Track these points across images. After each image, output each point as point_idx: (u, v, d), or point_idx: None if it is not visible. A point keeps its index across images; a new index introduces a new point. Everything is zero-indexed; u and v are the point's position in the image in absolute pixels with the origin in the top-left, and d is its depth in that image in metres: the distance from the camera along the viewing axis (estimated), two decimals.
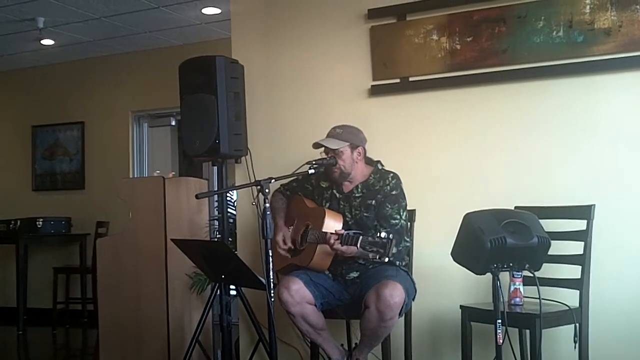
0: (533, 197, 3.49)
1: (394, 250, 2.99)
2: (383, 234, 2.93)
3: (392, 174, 3.43)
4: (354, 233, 3.10)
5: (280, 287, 3.27)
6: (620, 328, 3.37)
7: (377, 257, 2.94)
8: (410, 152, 3.86)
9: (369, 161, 3.52)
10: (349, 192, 3.45)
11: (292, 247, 3.52)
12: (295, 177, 3.60)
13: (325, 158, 3.44)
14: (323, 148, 3.45)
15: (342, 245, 3.12)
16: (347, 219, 3.40)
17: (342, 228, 3.30)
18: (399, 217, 3.33)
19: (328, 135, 3.46)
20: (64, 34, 6.55)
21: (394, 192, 3.37)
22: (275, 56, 4.27)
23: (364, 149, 3.48)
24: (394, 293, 3.02)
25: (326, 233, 3.23)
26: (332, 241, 3.15)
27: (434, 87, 3.82)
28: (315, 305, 3.28)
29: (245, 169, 4.18)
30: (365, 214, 3.38)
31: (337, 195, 3.48)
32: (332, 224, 3.32)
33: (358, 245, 3.02)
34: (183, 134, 4.08)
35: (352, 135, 3.43)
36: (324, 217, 3.35)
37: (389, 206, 3.34)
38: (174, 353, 4.25)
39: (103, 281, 4.58)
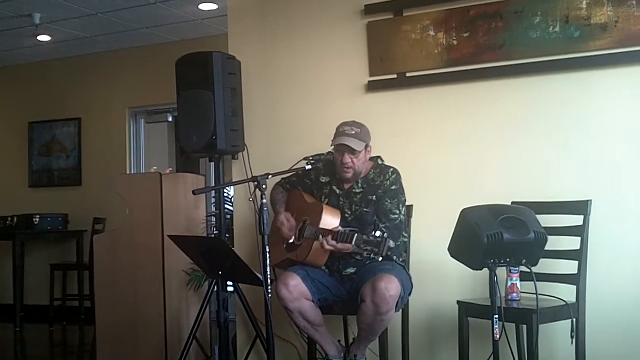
0: (530, 193, 3.49)
1: (391, 243, 2.98)
2: (378, 233, 2.94)
3: (392, 169, 3.44)
4: (349, 230, 3.11)
5: (278, 283, 3.27)
6: (616, 323, 3.38)
7: (371, 256, 2.96)
8: (407, 148, 3.85)
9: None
10: (349, 188, 3.45)
11: (291, 240, 3.52)
12: (293, 172, 3.61)
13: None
14: (332, 145, 3.38)
15: (337, 242, 3.12)
16: (346, 215, 3.40)
17: (340, 224, 3.30)
18: (398, 212, 3.33)
19: (345, 134, 3.35)
20: (60, 30, 6.54)
21: (393, 187, 3.38)
22: (272, 52, 4.26)
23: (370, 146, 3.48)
24: (390, 286, 3.03)
25: (322, 229, 3.23)
26: (325, 243, 3.16)
27: (431, 82, 3.81)
28: (313, 301, 3.28)
29: (242, 165, 4.18)
30: (365, 209, 3.38)
31: (337, 191, 3.48)
32: (330, 220, 3.32)
33: (353, 243, 3.03)
34: (180, 130, 4.07)
35: (366, 135, 3.41)
36: (322, 212, 3.35)
37: (389, 201, 3.34)
38: (171, 349, 4.25)
39: (100, 277, 4.57)
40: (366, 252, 2.98)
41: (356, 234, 3.03)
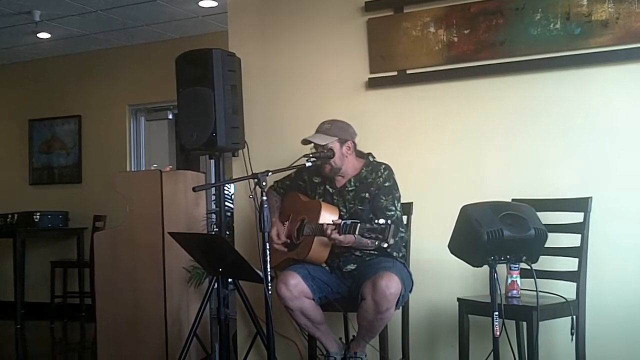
0: (530, 190, 3.49)
1: (392, 240, 2.99)
2: (381, 220, 2.92)
3: (384, 166, 3.43)
4: (351, 222, 3.09)
5: (278, 282, 3.26)
6: (617, 320, 3.38)
7: (377, 243, 2.94)
8: (408, 145, 3.85)
9: (360, 154, 3.52)
10: (341, 187, 3.45)
11: (288, 241, 3.51)
12: (290, 172, 3.61)
13: (323, 151, 3.44)
14: (313, 144, 3.44)
15: (339, 235, 3.12)
16: (341, 212, 3.40)
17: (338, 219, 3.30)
18: (394, 208, 3.33)
19: (317, 131, 3.47)
20: (60, 28, 6.54)
21: (387, 184, 3.37)
22: (272, 49, 4.26)
23: (354, 142, 3.47)
24: (390, 284, 3.03)
25: (323, 224, 3.23)
26: (329, 231, 3.14)
27: (431, 79, 3.81)
28: (314, 299, 3.28)
29: (243, 162, 4.18)
30: (360, 207, 3.38)
31: (330, 190, 3.48)
32: (329, 216, 3.31)
33: (356, 233, 3.01)
34: (180, 127, 4.07)
35: (340, 130, 3.43)
36: (320, 209, 3.35)
37: (384, 198, 3.34)
38: (171, 346, 4.25)
39: (101, 275, 4.58)
40: (370, 241, 2.96)
41: (359, 224, 3.01)
